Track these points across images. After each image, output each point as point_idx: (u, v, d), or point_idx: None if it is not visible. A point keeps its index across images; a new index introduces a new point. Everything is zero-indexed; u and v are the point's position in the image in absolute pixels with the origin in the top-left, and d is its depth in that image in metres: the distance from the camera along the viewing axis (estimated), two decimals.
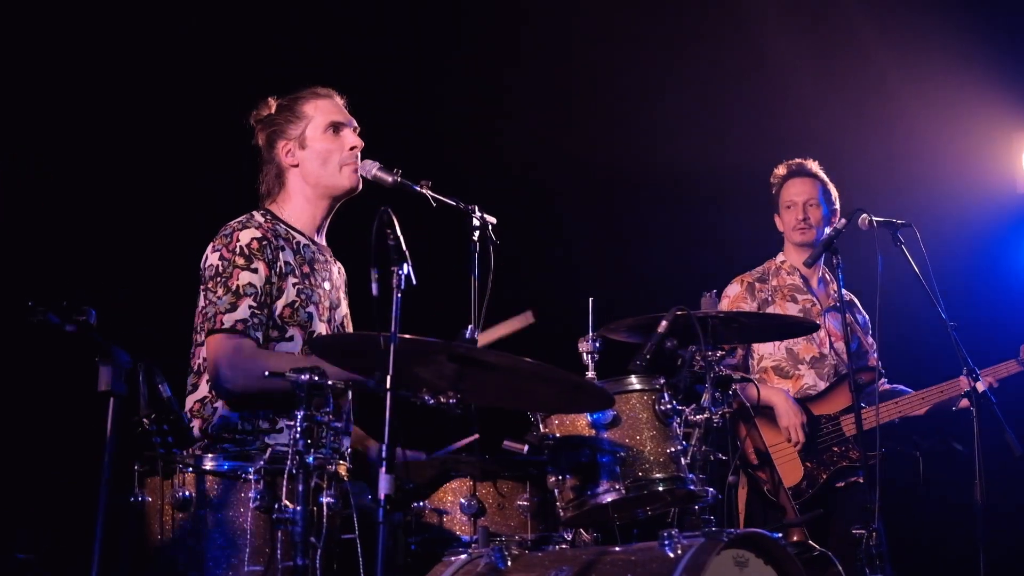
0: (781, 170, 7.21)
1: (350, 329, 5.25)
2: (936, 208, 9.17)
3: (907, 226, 6.39)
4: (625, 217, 9.46)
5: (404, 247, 4.12)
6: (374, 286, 5.02)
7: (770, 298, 6.99)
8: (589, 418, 4.59)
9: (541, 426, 4.67)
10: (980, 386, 6.20)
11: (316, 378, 4.04)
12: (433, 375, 4.30)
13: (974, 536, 6.06)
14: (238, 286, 4.86)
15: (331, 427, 4.14)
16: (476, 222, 5.11)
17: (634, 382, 4.68)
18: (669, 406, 4.66)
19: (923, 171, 9.54)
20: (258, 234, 4.94)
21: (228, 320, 4.82)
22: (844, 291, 7.12)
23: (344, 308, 5.20)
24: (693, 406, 4.98)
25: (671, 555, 4.19)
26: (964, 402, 6.66)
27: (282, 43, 8.24)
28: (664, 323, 5.08)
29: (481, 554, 4.45)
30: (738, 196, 8.97)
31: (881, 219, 6.38)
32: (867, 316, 7.21)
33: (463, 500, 4.65)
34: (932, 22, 9.38)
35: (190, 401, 4.98)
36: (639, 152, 9.07)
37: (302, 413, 4.05)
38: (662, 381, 4.71)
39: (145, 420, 4.33)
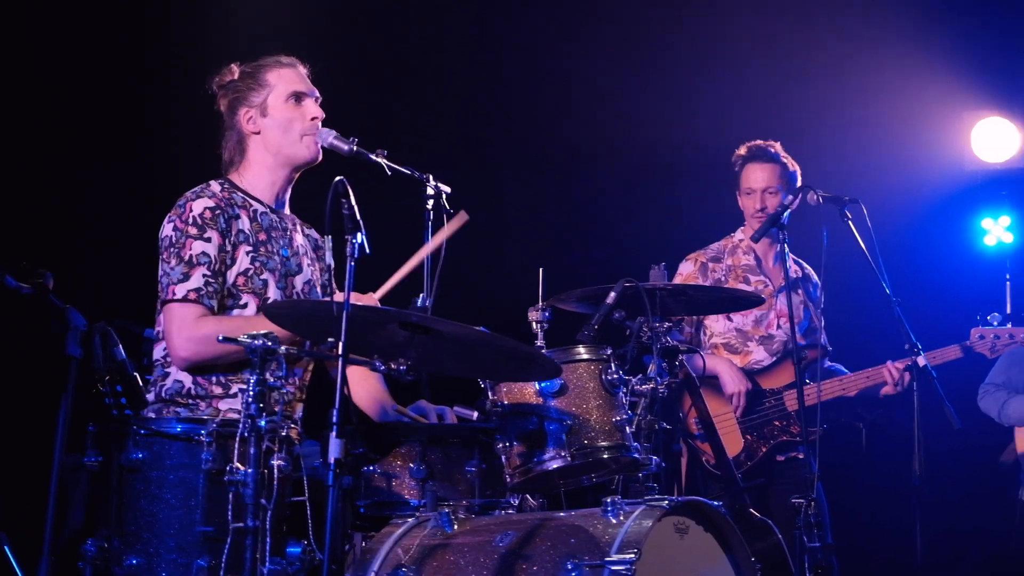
0: (743, 151, 7.16)
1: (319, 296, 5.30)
2: (887, 185, 9.28)
3: (854, 202, 6.41)
4: (579, 189, 9.51)
5: (358, 216, 4.20)
6: (327, 254, 5.13)
7: (723, 278, 7.02)
8: (537, 386, 4.67)
9: (491, 393, 4.74)
10: (921, 360, 6.29)
11: (269, 343, 4.11)
12: (385, 342, 4.37)
13: (911, 506, 6.17)
14: (191, 256, 4.90)
15: (283, 392, 4.20)
16: (430, 191, 5.17)
17: (582, 352, 4.76)
18: (615, 376, 4.74)
19: (874, 148, 9.62)
20: (211, 203, 4.98)
21: (180, 290, 4.88)
22: (803, 265, 7.23)
23: (308, 275, 5.23)
24: (640, 376, 5.07)
25: (613, 521, 4.30)
26: (887, 389, 6.76)
27: (243, 11, 8.27)
28: (613, 294, 5.18)
29: (428, 518, 4.54)
30: (692, 171, 9.05)
31: (828, 195, 6.42)
32: (821, 291, 7.28)
33: (412, 465, 4.72)
34: (888, 3, 9.47)
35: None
36: (594, 125, 9.12)
37: (255, 378, 4.11)
38: (609, 351, 4.78)
39: (100, 383, 4.39)
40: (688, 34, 9.48)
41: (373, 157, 5.12)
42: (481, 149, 9.06)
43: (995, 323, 6.97)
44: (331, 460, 3.94)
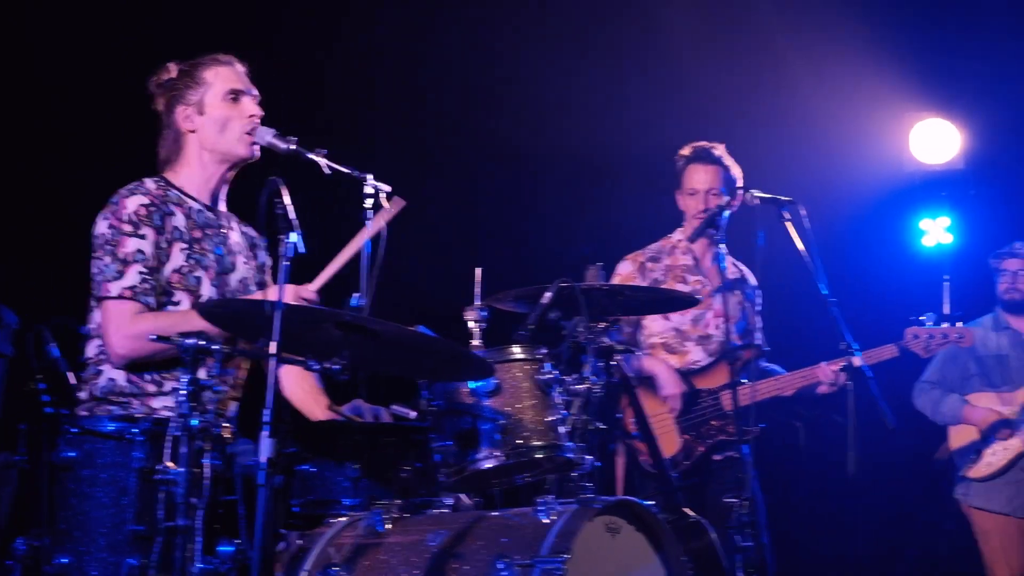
0: (686, 151, 7.16)
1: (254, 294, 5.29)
2: (827, 186, 9.33)
3: (792, 203, 6.44)
4: (517, 189, 9.52)
5: (293, 216, 4.20)
6: (261, 253, 5.13)
7: (661, 278, 7.04)
8: (471, 386, 4.68)
9: (426, 393, 4.75)
10: (856, 360, 6.33)
11: (202, 342, 4.10)
12: (320, 341, 4.37)
13: (847, 505, 6.22)
14: (126, 253, 4.89)
15: (216, 391, 4.20)
16: (369, 190, 5.17)
17: (516, 351, 4.77)
18: (550, 376, 4.74)
19: (814, 149, 9.67)
20: (146, 200, 4.97)
21: (115, 287, 4.87)
22: (741, 266, 7.26)
23: (243, 273, 5.23)
24: (575, 376, 5.09)
25: (545, 521, 4.31)
26: (823, 388, 6.81)
27: (184, 9, 8.25)
28: (548, 294, 5.19)
29: (361, 517, 4.55)
30: (631, 171, 9.08)
31: (767, 196, 6.45)
32: (759, 292, 7.33)
33: (346, 464, 4.73)
34: (828, 4, 9.52)
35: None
36: (533, 125, 9.11)
37: (187, 377, 4.11)
38: (544, 351, 4.79)
39: (32, 381, 4.37)
40: (627, 35, 9.50)
41: (311, 156, 5.10)
42: (420, 149, 9.05)
43: (929, 323, 7.03)
44: (262, 460, 3.94)
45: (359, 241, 5.11)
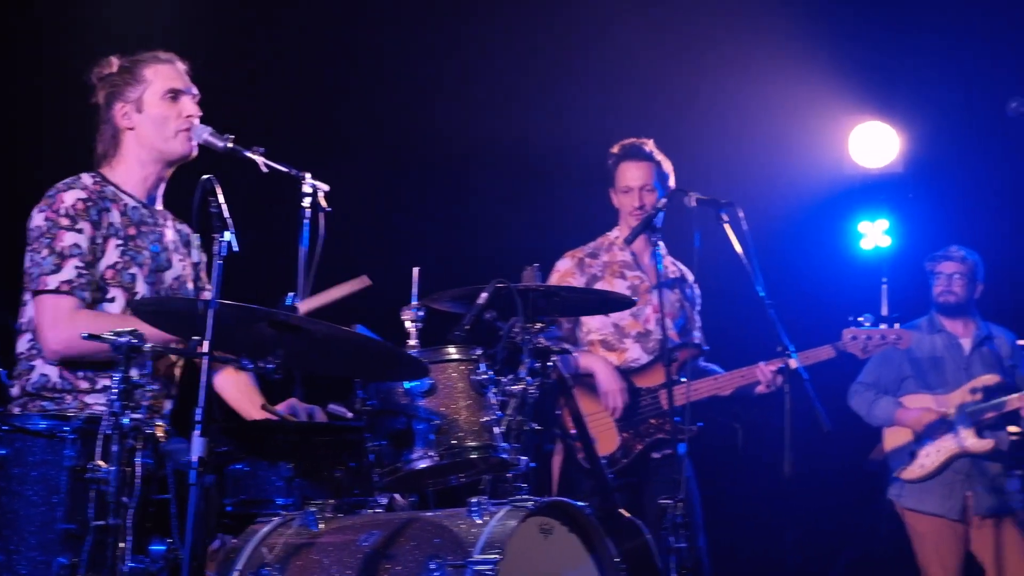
0: (617, 149, 7.20)
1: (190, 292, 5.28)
2: (766, 188, 9.39)
3: (730, 205, 6.47)
4: (456, 188, 9.51)
5: (226, 215, 4.19)
6: (194, 252, 5.12)
7: (599, 274, 7.08)
8: (406, 386, 4.67)
9: (360, 392, 4.74)
10: (793, 362, 6.36)
11: (135, 340, 4.09)
12: (254, 340, 4.37)
13: (783, 506, 6.26)
14: (63, 247, 4.87)
15: (148, 389, 4.18)
16: (307, 189, 5.16)
17: (451, 352, 4.75)
18: (485, 376, 4.74)
19: (754, 151, 9.72)
20: (83, 195, 4.96)
21: (52, 281, 4.85)
22: (680, 266, 7.30)
23: (178, 271, 5.21)
24: (510, 376, 5.11)
25: (478, 521, 4.31)
26: (761, 388, 6.85)
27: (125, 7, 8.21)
28: (484, 295, 5.20)
29: (294, 516, 4.54)
30: (570, 171, 9.09)
31: (705, 197, 6.48)
32: (699, 292, 7.36)
33: (280, 463, 4.72)
34: (768, 6, 9.57)
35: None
36: (470, 125, 9.10)
37: (119, 375, 4.09)
38: (479, 351, 4.80)
39: None
40: (564, 35, 9.51)
41: (248, 154, 5.09)
42: (357, 149, 9.02)
43: (867, 324, 7.09)
44: (194, 459, 3.93)
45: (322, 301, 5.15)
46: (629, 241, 6.87)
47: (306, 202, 5.14)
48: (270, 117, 8.49)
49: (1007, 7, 9.65)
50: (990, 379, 7.80)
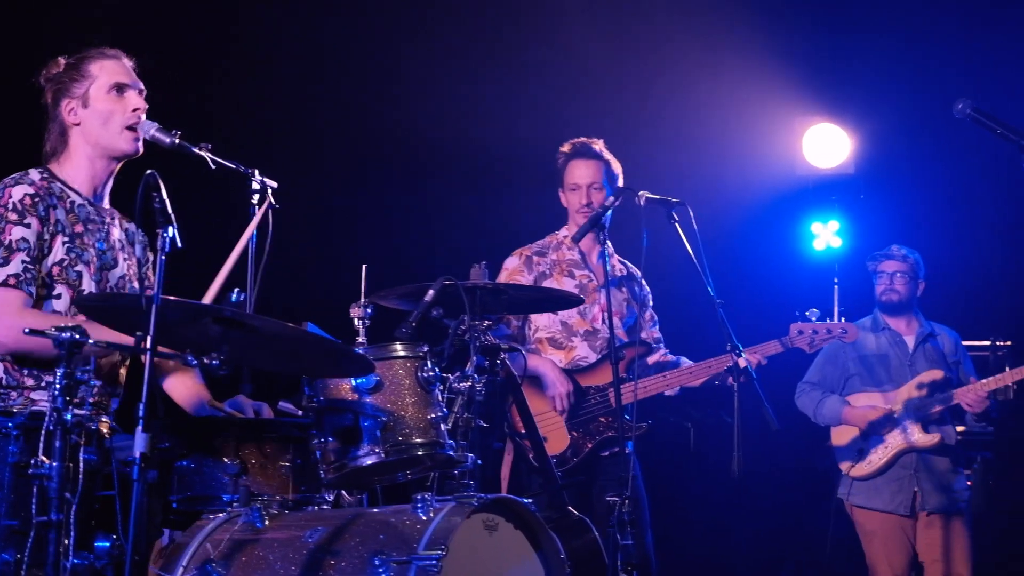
0: (566, 148, 7.21)
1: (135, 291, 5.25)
2: (719, 188, 9.44)
3: (681, 204, 6.48)
4: (405, 186, 9.48)
5: (170, 210, 4.18)
6: (138, 248, 5.11)
7: (548, 272, 7.09)
8: (353, 383, 4.68)
9: (307, 389, 4.74)
10: (742, 361, 6.38)
11: (77, 336, 4.07)
12: (199, 336, 4.36)
13: (733, 504, 6.28)
14: (11, 241, 4.86)
15: (92, 385, 4.17)
16: (256, 186, 5.16)
17: (398, 349, 4.76)
18: (431, 373, 4.74)
19: (707, 152, 9.77)
20: (31, 190, 4.95)
21: (0, 274, 4.84)
22: (628, 264, 7.32)
23: (123, 270, 5.20)
24: (457, 374, 5.13)
25: (423, 517, 4.32)
26: (729, 381, 6.86)
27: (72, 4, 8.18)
28: (431, 292, 5.22)
29: (239, 513, 4.53)
30: (520, 170, 9.10)
31: (656, 196, 6.50)
32: (647, 290, 7.38)
33: (226, 459, 4.70)
34: (721, 8, 9.61)
35: None
36: (420, 123, 9.10)
37: (62, 371, 4.08)
38: (425, 349, 4.80)
39: None
40: (516, 34, 9.52)
41: (196, 150, 5.09)
42: (306, 145, 9.00)
43: (814, 319, 7.13)
44: (136, 454, 3.92)
45: (240, 246, 5.12)
46: (577, 239, 6.89)
47: (255, 199, 5.14)
48: (218, 114, 8.46)
49: (955, 10, 9.72)
50: (934, 375, 7.86)
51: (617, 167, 7.17)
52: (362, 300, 4.93)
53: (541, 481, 6.32)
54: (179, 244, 4.18)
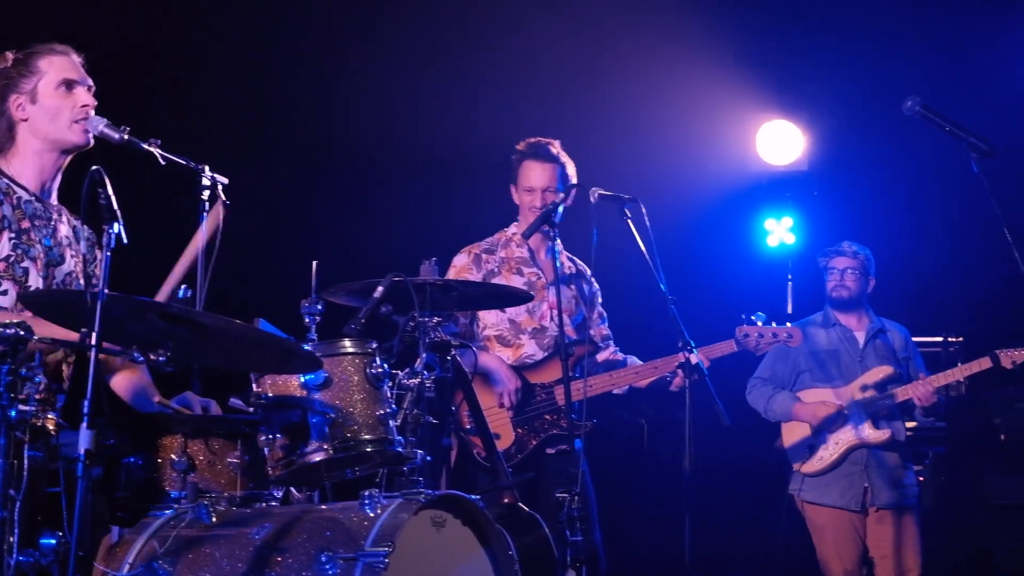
0: (522, 147, 7.17)
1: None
2: (674, 185, 9.46)
3: (634, 201, 6.49)
4: (357, 183, 9.46)
5: (115, 206, 4.16)
6: (83, 244, 5.09)
7: (496, 269, 7.08)
8: (301, 379, 4.67)
9: (255, 385, 4.74)
10: (694, 358, 6.40)
11: (21, 332, 4.05)
12: (146, 332, 4.34)
13: (685, 500, 6.29)
14: None
15: (36, 381, 4.15)
16: (206, 181, 5.14)
17: (347, 345, 4.76)
18: (380, 370, 4.75)
19: (662, 149, 9.79)
20: None
21: None
22: (577, 262, 7.33)
23: (70, 266, 5.17)
24: (407, 370, 5.13)
25: (370, 514, 4.33)
26: (678, 380, 6.88)
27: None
28: (380, 289, 5.22)
29: (187, 510, 4.52)
30: (471, 166, 9.10)
31: (608, 193, 6.51)
32: (596, 288, 7.38)
33: (174, 456, 4.69)
34: (675, 5, 9.63)
35: None
36: (374, 119, 9.08)
37: (6, 367, 4.06)
38: (375, 345, 4.81)
39: None
40: (468, 30, 9.51)
41: (145, 146, 5.07)
42: (258, 141, 8.97)
43: (759, 322, 7.16)
44: (81, 451, 3.91)
45: (193, 247, 5.11)
46: (527, 235, 6.87)
47: (205, 195, 5.13)
48: (168, 110, 8.42)
49: (908, 8, 9.78)
50: (884, 371, 7.89)
51: (572, 170, 7.15)
52: (312, 297, 4.92)
53: (488, 478, 6.32)
54: (124, 240, 4.16)
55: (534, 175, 7.08)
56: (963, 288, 10.08)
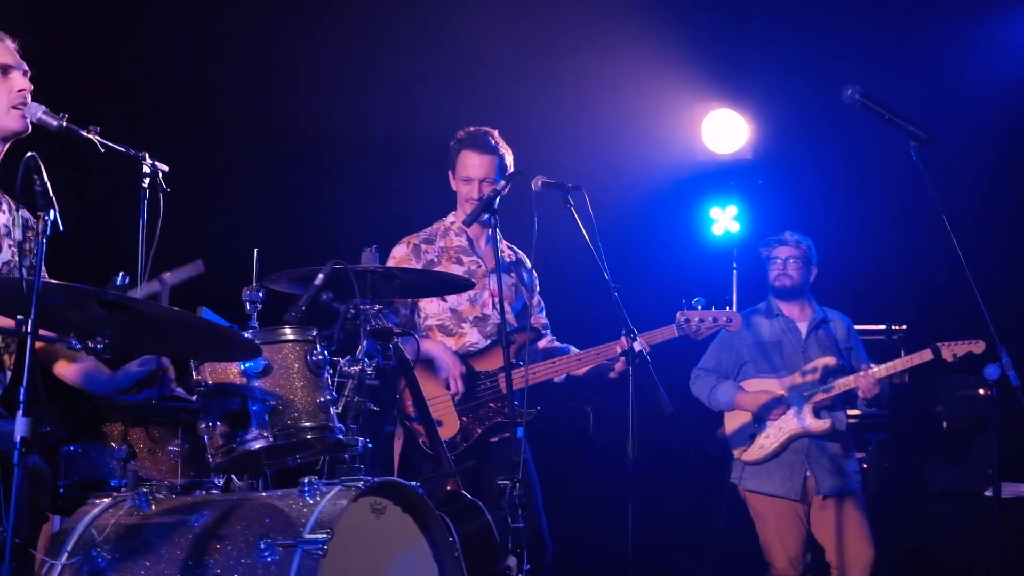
0: (462, 135, 7.14)
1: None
2: (620, 174, 9.49)
3: (577, 189, 6.48)
4: (299, 171, 9.42)
5: (51, 193, 4.14)
6: (18, 231, 5.06)
7: (436, 259, 7.05)
8: (241, 366, 4.67)
9: (195, 373, 4.73)
10: (636, 345, 6.41)
11: None
12: (84, 320, 4.33)
13: (628, 488, 6.30)
14: None
15: None
16: (146, 169, 5.12)
17: (287, 332, 4.76)
18: (320, 357, 4.75)
19: (607, 138, 9.82)
20: None
21: None
22: (516, 250, 7.32)
23: (7, 256, 5.14)
24: (348, 358, 5.12)
25: (310, 501, 4.33)
26: (620, 365, 6.90)
27: None
28: (321, 276, 5.22)
29: (126, 497, 4.51)
30: (413, 154, 9.08)
31: (551, 181, 6.51)
32: (536, 276, 7.38)
33: (114, 444, 4.70)
34: None
35: None
36: (316, 107, 9.06)
37: None
38: (315, 332, 4.81)
39: None
40: (409, 17, 9.49)
41: (84, 133, 5.04)
42: (199, 129, 8.92)
43: (699, 307, 7.17)
44: (16, 439, 3.89)
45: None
46: (467, 223, 6.85)
47: (145, 182, 5.10)
48: (107, 97, 8.36)
49: None
50: (827, 361, 7.93)
51: (510, 159, 7.12)
52: (254, 284, 4.91)
53: (433, 466, 6.32)
54: (60, 227, 4.14)
55: (472, 165, 7.05)
56: (906, 276, 10.17)
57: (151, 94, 8.89)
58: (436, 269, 6.95)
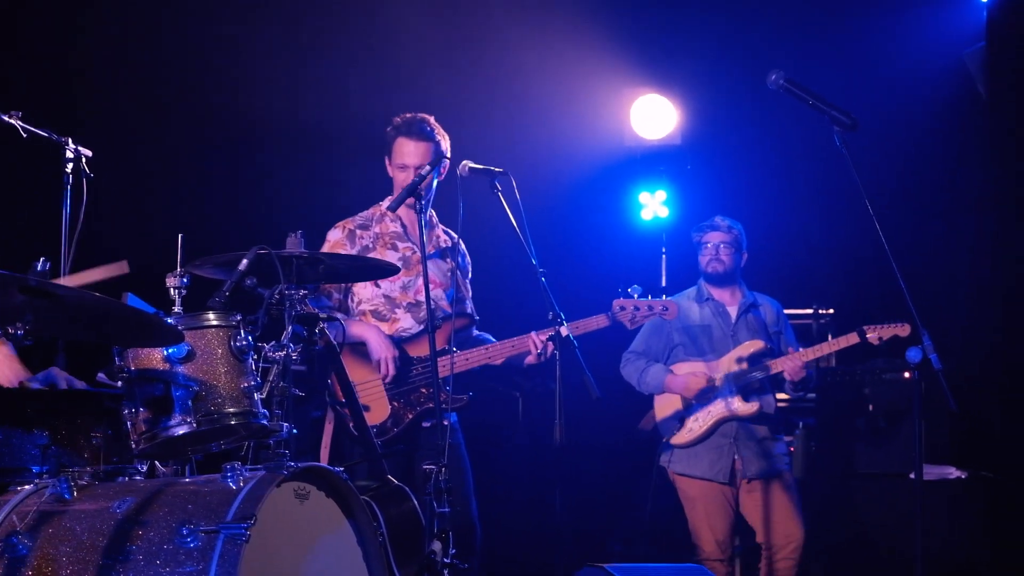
0: (398, 121, 7.11)
1: None
2: (548, 159, 9.50)
3: (504, 174, 6.49)
4: (226, 155, 9.33)
5: None
6: None
7: (371, 245, 7.03)
8: (164, 352, 4.65)
9: (118, 359, 4.70)
10: (564, 330, 6.42)
11: None
12: (5, 305, 4.29)
13: (556, 473, 6.32)
14: None
15: None
16: (70, 154, 5.09)
17: (211, 318, 4.75)
18: (244, 342, 4.75)
19: (536, 123, 9.81)
20: None
21: None
22: (452, 234, 7.32)
23: None
24: (273, 343, 5.11)
25: (232, 487, 4.32)
26: (531, 359, 6.93)
27: None
28: (245, 261, 5.20)
29: (47, 484, 4.48)
30: (344, 139, 9.05)
31: (479, 166, 6.51)
32: (469, 260, 7.38)
33: (35, 430, 4.66)
34: None
35: None
36: (244, 91, 8.99)
37: None
38: (239, 318, 4.79)
39: None
40: (337, 3, 9.45)
41: (6, 119, 5.01)
42: (123, 113, 8.83)
43: (635, 295, 7.20)
44: None
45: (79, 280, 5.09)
46: (393, 208, 6.82)
47: (68, 167, 5.08)
48: (30, 81, 8.28)
49: None
50: (755, 345, 7.99)
51: (446, 145, 7.09)
52: (178, 270, 4.89)
53: (361, 451, 6.32)
54: None
55: (407, 152, 7.02)
56: (833, 260, 10.26)
57: (75, 80, 8.79)
58: (371, 255, 6.93)
